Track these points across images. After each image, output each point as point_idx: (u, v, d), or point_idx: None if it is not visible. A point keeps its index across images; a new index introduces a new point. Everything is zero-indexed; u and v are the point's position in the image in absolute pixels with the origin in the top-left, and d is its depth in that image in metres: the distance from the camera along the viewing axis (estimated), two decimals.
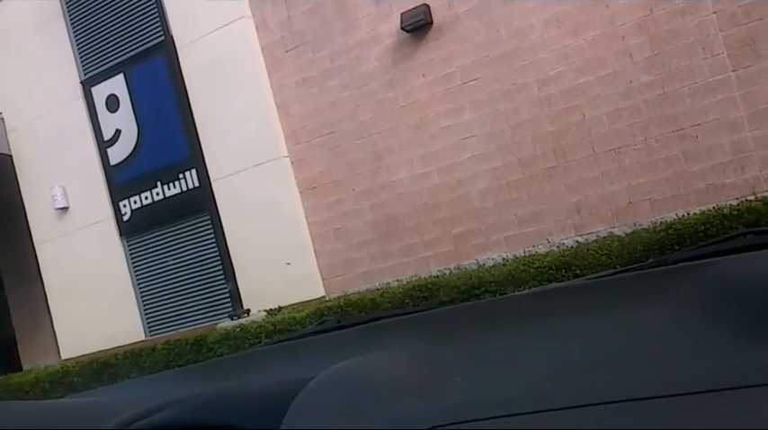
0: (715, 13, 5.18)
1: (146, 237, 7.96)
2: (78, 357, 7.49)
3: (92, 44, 8.22)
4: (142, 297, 8.03)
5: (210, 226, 7.45)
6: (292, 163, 7.01)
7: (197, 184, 7.49)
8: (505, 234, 6.00)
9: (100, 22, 8.13)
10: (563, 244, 5.24)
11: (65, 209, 8.37)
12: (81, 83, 8.24)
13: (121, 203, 8.01)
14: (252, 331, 5.48)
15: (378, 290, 5.44)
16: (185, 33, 7.46)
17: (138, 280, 8.05)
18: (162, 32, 7.67)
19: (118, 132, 7.99)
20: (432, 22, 6.23)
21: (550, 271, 4.37)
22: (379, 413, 0.71)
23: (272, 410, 0.76)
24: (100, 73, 8.12)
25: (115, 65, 8.01)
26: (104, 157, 8.10)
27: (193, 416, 0.84)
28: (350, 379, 0.86)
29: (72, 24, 8.34)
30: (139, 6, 7.85)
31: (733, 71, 5.15)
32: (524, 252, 5.23)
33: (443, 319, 1.46)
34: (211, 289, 7.54)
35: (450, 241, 6.25)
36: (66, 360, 7.86)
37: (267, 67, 7.09)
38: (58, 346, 8.55)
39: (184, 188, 7.58)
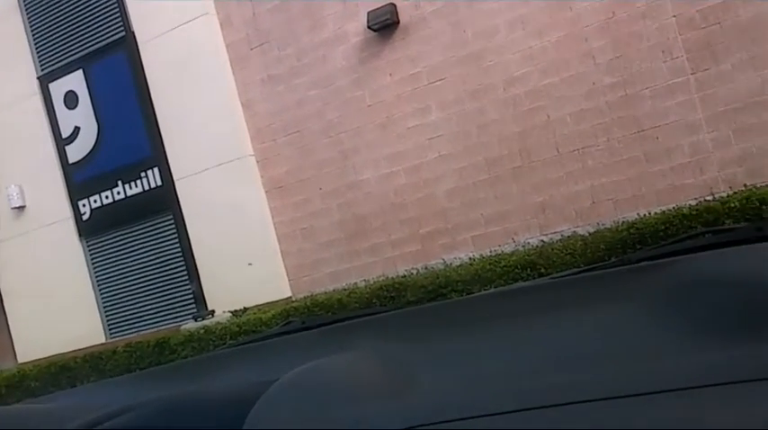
0: (675, 16, 5.30)
1: (106, 238, 7.80)
2: (36, 361, 7.33)
3: (49, 39, 8.02)
4: (102, 298, 7.86)
5: (174, 226, 7.33)
6: (258, 162, 6.94)
7: (159, 183, 7.37)
8: (472, 233, 6.04)
9: (58, 17, 7.93)
10: (528, 243, 5.30)
11: (21, 208, 8.16)
12: (38, 78, 8.04)
13: (81, 203, 7.84)
14: (216, 332, 5.41)
15: (345, 290, 5.42)
16: (147, 29, 7.34)
17: (98, 281, 7.89)
18: (123, 28, 7.52)
19: (77, 130, 7.81)
20: (398, 22, 6.24)
21: (516, 270, 4.42)
22: (342, 416, 0.69)
23: (232, 414, 0.74)
24: (58, 68, 7.94)
25: (74, 60, 7.84)
26: (63, 155, 7.91)
27: (151, 421, 0.81)
28: (313, 381, 0.85)
29: (29, 18, 8.13)
30: (99, 1, 7.68)
31: (692, 74, 5.27)
32: (491, 251, 5.27)
33: (410, 320, 1.46)
34: (175, 290, 7.43)
35: (417, 241, 6.27)
36: (22, 363, 7.69)
37: (232, 64, 7.01)
38: (14, 349, 8.33)
39: (146, 187, 7.45)
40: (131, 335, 7.29)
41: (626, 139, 5.49)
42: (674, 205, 4.44)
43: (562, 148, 5.71)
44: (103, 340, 7.67)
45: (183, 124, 7.13)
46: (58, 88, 7.89)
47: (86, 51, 7.75)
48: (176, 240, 7.34)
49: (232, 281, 6.78)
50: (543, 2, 5.71)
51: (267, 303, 6.30)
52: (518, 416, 0.60)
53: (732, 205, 3.93)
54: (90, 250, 7.91)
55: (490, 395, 0.72)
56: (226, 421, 0.75)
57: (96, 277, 7.89)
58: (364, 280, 5.89)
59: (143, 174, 7.44)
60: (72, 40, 7.86)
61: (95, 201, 7.76)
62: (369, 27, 6.29)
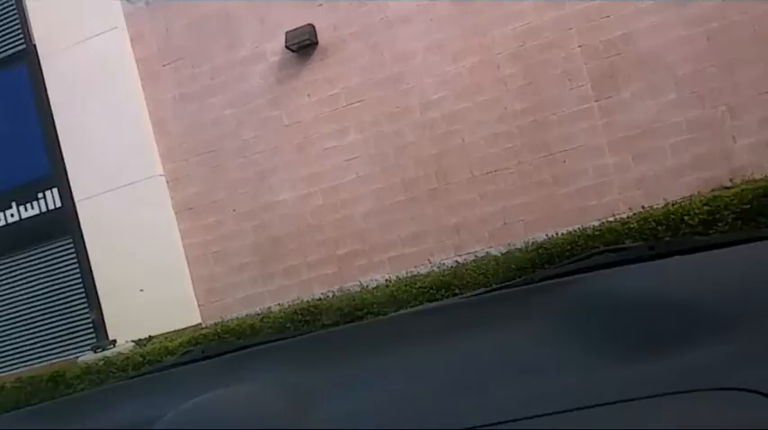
0: (580, 46, 5.58)
1: None
2: None
3: None
4: None
5: (73, 250, 6.94)
6: (168, 182, 6.68)
7: (59, 205, 6.98)
8: (389, 255, 6.04)
9: None
10: (443, 264, 5.35)
11: None
12: None
13: None
14: (117, 364, 5.07)
15: (258, 315, 5.26)
16: (50, 42, 7.00)
17: None
18: (23, 40, 7.11)
19: None
20: (317, 43, 6.23)
21: (431, 290, 4.44)
22: None
23: None
24: None
25: None
26: None
27: None
28: (202, 416, 0.79)
29: None
30: None
31: (596, 101, 5.56)
32: (407, 272, 5.28)
33: (318, 344, 1.42)
34: (72, 319, 7.02)
35: (334, 263, 6.20)
36: None
37: (143, 81, 6.76)
38: None
39: (44, 209, 7.06)
40: (23, 369, 6.77)
41: (535, 162, 5.69)
42: (580, 226, 4.62)
43: (476, 171, 5.84)
44: None
45: (87, 142, 6.77)
46: None
47: None
48: (76, 266, 6.95)
49: (136, 308, 6.43)
50: (459, 28, 5.87)
51: (175, 331, 6.01)
52: None
53: (631, 226, 4.12)
54: None
55: (394, 418, 0.72)
56: None
57: None
58: (278, 304, 5.74)
59: (40, 195, 7.03)
60: None
61: None
62: (287, 47, 6.24)
